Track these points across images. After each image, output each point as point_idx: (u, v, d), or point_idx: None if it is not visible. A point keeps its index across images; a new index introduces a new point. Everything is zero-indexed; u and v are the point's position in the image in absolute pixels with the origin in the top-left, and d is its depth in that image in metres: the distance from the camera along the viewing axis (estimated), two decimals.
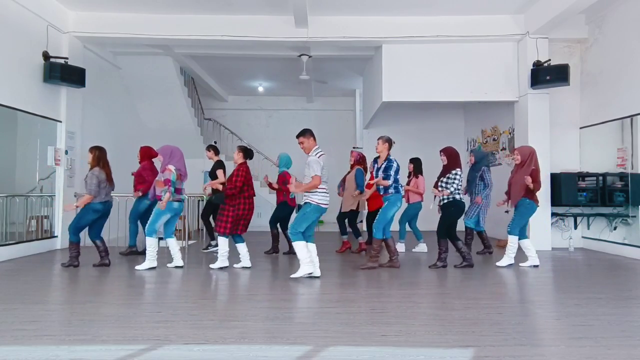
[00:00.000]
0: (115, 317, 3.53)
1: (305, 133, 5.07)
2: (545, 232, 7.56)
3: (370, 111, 10.21)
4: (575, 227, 7.82)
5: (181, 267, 5.71)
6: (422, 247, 7.30)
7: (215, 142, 7.49)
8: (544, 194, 7.46)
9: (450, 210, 5.62)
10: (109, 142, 9.53)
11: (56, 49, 7.43)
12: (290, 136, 13.33)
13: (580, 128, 7.97)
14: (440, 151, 5.81)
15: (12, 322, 3.39)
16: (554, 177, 7.57)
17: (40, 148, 7.26)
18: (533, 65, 7.55)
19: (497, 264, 5.79)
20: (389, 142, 5.79)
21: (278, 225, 7.08)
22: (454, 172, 5.59)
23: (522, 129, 7.88)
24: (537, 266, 5.74)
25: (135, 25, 7.82)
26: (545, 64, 7.43)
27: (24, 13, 6.78)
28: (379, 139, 5.82)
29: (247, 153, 5.82)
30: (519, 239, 5.73)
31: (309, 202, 4.91)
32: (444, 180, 5.65)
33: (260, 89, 13.14)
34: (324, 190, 4.95)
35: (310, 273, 4.97)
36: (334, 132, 14.05)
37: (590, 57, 7.83)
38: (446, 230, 5.68)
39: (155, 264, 5.55)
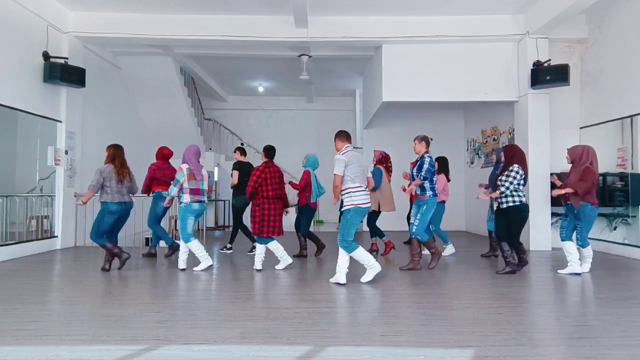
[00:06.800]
0: (115, 317, 3.53)
1: (336, 135, 5.17)
2: (545, 232, 7.56)
3: (370, 111, 10.21)
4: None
5: (211, 266, 5.60)
6: (449, 249, 6.97)
7: (242, 144, 7.29)
8: (543, 194, 7.48)
9: (521, 215, 5.24)
10: (109, 142, 9.50)
11: (56, 49, 7.43)
12: (290, 136, 13.44)
13: (580, 128, 7.96)
14: (503, 147, 5.61)
15: (12, 322, 3.39)
16: None
17: (40, 148, 7.26)
18: (533, 65, 7.55)
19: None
20: (426, 140, 5.59)
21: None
22: (510, 168, 5.17)
23: (522, 129, 7.88)
24: (579, 274, 5.30)
25: (135, 25, 7.82)
26: (545, 64, 7.43)
27: (24, 13, 6.79)
28: (415, 140, 5.64)
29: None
30: (563, 240, 5.44)
31: (347, 209, 4.68)
32: (502, 178, 5.21)
33: (260, 89, 13.14)
34: (360, 189, 4.70)
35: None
36: (334, 132, 13.92)
37: (590, 57, 7.83)
38: (512, 235, 5.27)
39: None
